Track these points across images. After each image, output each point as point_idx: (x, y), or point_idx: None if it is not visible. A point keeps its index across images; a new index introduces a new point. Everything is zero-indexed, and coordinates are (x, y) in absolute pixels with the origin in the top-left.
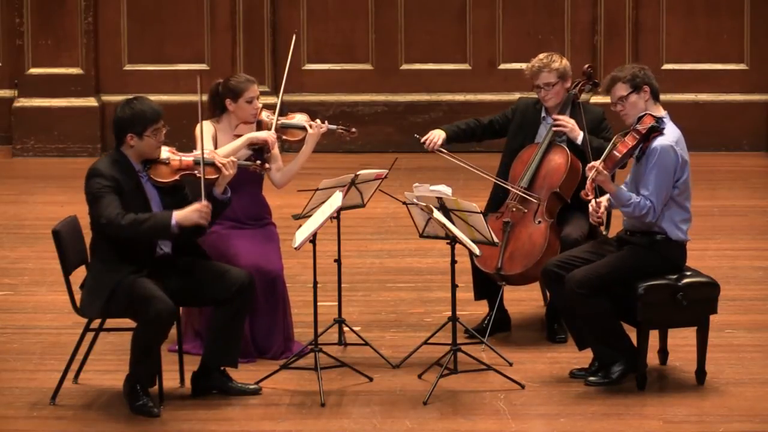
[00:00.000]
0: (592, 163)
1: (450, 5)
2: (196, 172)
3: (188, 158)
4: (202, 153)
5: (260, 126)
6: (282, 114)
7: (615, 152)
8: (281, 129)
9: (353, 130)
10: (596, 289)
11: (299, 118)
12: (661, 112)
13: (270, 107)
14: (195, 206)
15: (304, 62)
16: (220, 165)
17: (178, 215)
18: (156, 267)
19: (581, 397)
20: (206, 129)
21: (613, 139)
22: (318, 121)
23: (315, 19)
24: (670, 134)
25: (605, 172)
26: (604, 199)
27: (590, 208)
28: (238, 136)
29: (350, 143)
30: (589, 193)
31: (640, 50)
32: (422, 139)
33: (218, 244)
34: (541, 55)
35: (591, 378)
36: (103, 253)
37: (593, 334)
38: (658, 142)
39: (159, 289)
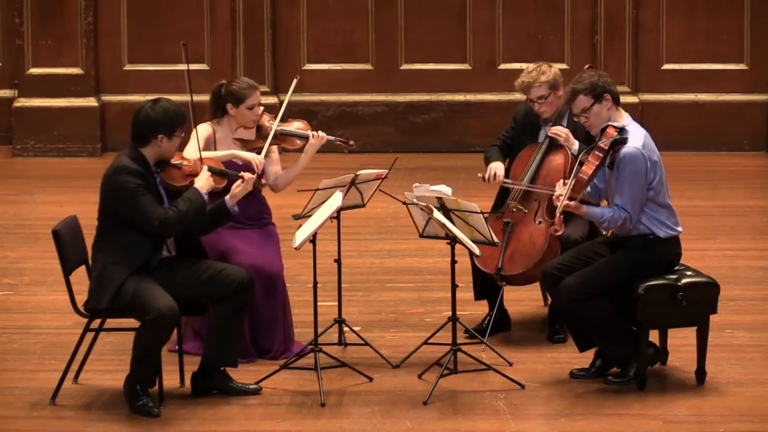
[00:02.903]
0: (558, 192)
1: (450, 5)
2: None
3: (199, 163)
4: (199, 145)
5: (260, 131)
6: (282, 119)
7: (581, 175)
8: (280, 136)
9: (351, 142)
10: (589, 294)
11: (298, 126)
12: (622, 116)
13: (270, 107)
14: (204, 175)
15: (304, 62)
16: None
17: (201, 187)
18: (160, 267)
19: (581, 397)
20: (202, 131)
21: (579, 157)
22: (320, 132)
23: (315, 19)
24: (636, 138)
25: (573, 203)
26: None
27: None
28: (238, 140)
29: None
30: (559, 229)
31: (640, 50)
32: (486, 177)
33: (218, 244)
34: (529, 68)
35: (610, 377)
36: (111, 250)
37: (602, 337)
38: (626, 149)
39: (162, 288)
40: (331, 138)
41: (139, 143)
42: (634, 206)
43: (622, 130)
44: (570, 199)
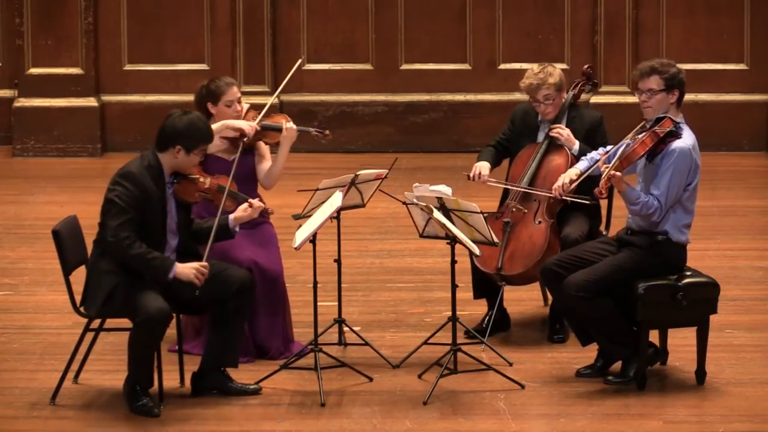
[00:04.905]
0: (605, 165)
1: (450, 5)
2: (216, 200)
3: (214, 182)
4: (226, 193)
5: None
6: (266, 117)
7: (632, 153)
8: (261, 131)
9: (327, 132)
10: (595, 291)
11: (276, 120)
12: (679, 116)
13: (270, 108)
14: (195, 265)
15: (304, 62)
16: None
17: (178, 268)
18: None
19: (581, 397)
20: None
21: (627, 139)
22: (291, 123)
23: (315, 19)
24: (688, 138)
25: (619, 173)
26: (573, 181)
27: (558, 182)
28: (224, 138)
29: (350, 143)
30: (603, 191)
31: (640, 50)
32: (470, 175)
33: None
34: (535, 69)
35: (610, 378)
36: (102, 253)
37: (603, 335)
38: (677, 144)
39: (156, 290)
40: (305, 129)
41: (159, 148)
42: (668, 200)
43: (678, 125)
44: (616, 170)
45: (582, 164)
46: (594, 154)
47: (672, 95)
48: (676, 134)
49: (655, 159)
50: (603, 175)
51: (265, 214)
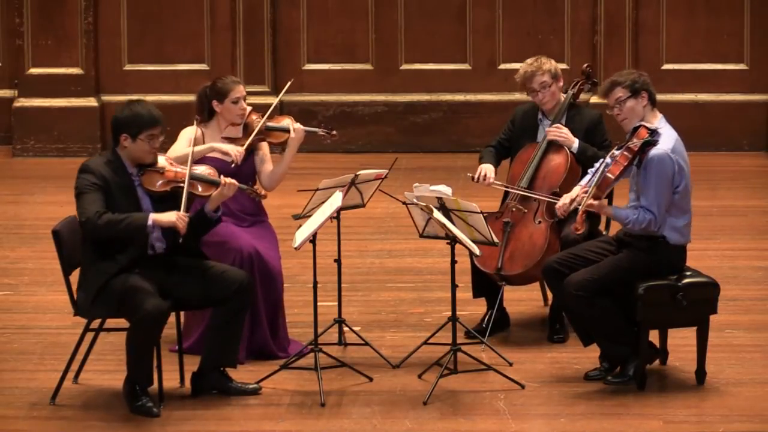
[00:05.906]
0: (580, 193)
1: (450, 5)
2: (190, 188)
3: (184, 171)
4: (189, 169)
5: (247, 128)
6: (270, 116)
7: (608, 175)
8: (266, 131)
9: (334, 132)
10: (595, 291)
11: (284, 122)
12: (657, 118)
13: (264, 108)
14: (172, 213)
15: (304, 62)
16: (222, 183)
17: (157, 219)
18: (150, 266)
19: (581, 397)
20: (190, 133)
21: (607, 158)
22: (299, 124)
23: (315, 19)
24: (666, 141)
25: (597, 202)
26: (574, 200)
27: (560, 202)
28: (227, 138)
29: (350, 143)
30: (579, 227)
31: (640, 50)
32: (475, 177)
33: (219, 231)
34: (529, 60)
35: (609, 378)
36: (92, 250)
37: (603, 335)
38: (654, 151)
39: (151, 287)
40: (311, 129)
41: (113, 143)
42: (660, 208)
43: (654, 132)
44: (595, 198)
45: (585, 180)
46: (598, 165)
47: (641, 98)
48: (651, 143)
49: (641, 167)
50: (580, 207)
51: (253, 194)
